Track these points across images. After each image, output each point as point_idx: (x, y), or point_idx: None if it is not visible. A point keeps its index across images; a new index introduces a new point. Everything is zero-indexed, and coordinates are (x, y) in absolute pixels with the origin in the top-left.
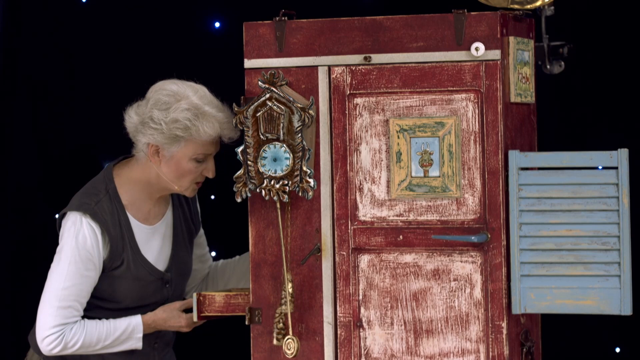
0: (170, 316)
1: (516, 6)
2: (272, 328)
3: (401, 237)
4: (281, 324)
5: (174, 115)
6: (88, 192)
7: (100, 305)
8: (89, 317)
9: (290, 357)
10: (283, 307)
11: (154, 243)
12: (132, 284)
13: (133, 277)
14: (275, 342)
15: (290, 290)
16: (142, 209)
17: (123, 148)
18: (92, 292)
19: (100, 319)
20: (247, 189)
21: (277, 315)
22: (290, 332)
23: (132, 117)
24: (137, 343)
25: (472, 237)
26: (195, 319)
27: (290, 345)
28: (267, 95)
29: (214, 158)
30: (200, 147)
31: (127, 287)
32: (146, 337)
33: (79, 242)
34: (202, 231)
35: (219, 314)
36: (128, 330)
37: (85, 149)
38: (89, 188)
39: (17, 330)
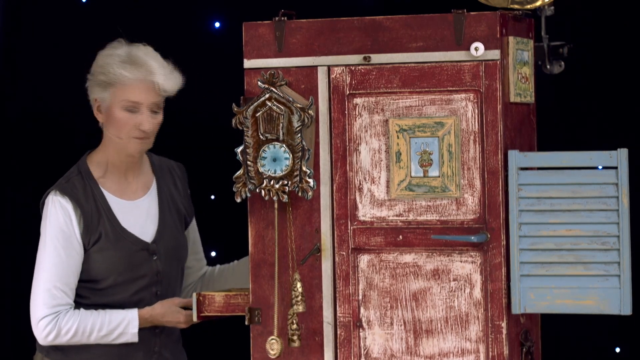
0: (169, 311)
1: (516, 6)
2: (272, 328)
3: (401, 237)
4: (295, 325)
5: (100, 61)
6: (63, 177)
7: (93, 287)
8: (86, 305)
9: (273, 357)
10: (294, 307)
11: (135, 217)
12: (115, 255)
13: (114, 247)
14: (289, 343)
15: (300, 289)
16: (116, 183)
17: None
18: (82, 277)
19: (96, 308)
20: (246, 189)
21: (289, 316)
22: (275, 333)
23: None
24: (132, 338)
25: (472, 237)
26: (195, 319)
27: (273, 346)
28: (267, 96)
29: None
30: (125, 94)
31: (110, 259)
32: (147, 342)
33: (52, 222)
34: (195, 226)
35: (219, 314)
36: (123, 323)
37: (86, 147)
38: (65, 174)
39: (18, 331)
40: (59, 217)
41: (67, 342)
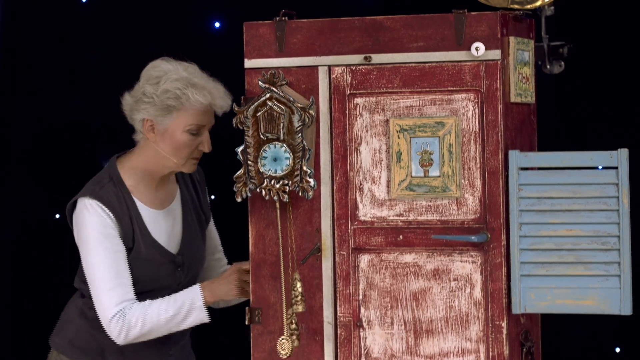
0: (228, 280)
1: (516, 6)
2: (272, 328)
3: (401, 237)
4: (294, 325)
5: (165, 86)
6: (93, 181)
7: None
8: None
9: (284, 357)
10: (294, 307)
11: (163, 227)
12: (144, 265)
13: (144, 259)
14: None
15: (300, 289)
16: (147, 194)
17: (122, 147)
18: None
19: None
20: (247, 188)
21: (289, 316)
22: (285, 333)
23: (127, 99)
24: (201, 313)
25: (472, 237)
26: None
27: (284, 346)
28: (268, 95)
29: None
30: (192, 118)
31: (139, 269)
32: (161, 346)
33: (96, 223)
34: (212, 227)
35: None
36: (188, 299)
37: (85, 148)
38: (94, 178)
39: (17, 330)
40: (102, 219)
41: (140, 334)
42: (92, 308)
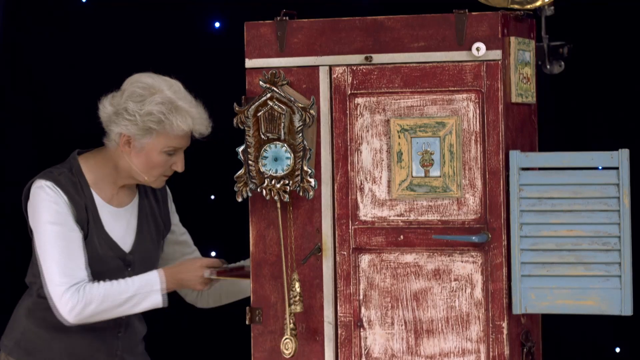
0: (190, 267)
1: (516, 6)
2: (272, 328)
3: (402, 237)
4: (292, 325)
5: (149, 108)
6: (50, 169)
7: None
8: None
9: (288, 357)
10: (292, 307)
11: (117, 224)
12: (93, 257)
13: (94, 250)
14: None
15: (299, 289)
16: (105, 190)
17: None
18: None
19: None
20: (247, 188)
21: (287, 315)
22: (288, 333)
23: (107, 107)
24: (158, 298)
25: (473, 237)
26: (207, 275)
27: (287, 345)
28: (268, 95)
29: (184, 152)
30: (171, 141)
31: (88, 260)
32: (110, 325)
33: (49, 201)
34: (183, 230)
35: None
36: (148, 282)
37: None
38: (51, 167)
39: None
40: (52, 199)
41: (95, 312)
42: (41, 307)
